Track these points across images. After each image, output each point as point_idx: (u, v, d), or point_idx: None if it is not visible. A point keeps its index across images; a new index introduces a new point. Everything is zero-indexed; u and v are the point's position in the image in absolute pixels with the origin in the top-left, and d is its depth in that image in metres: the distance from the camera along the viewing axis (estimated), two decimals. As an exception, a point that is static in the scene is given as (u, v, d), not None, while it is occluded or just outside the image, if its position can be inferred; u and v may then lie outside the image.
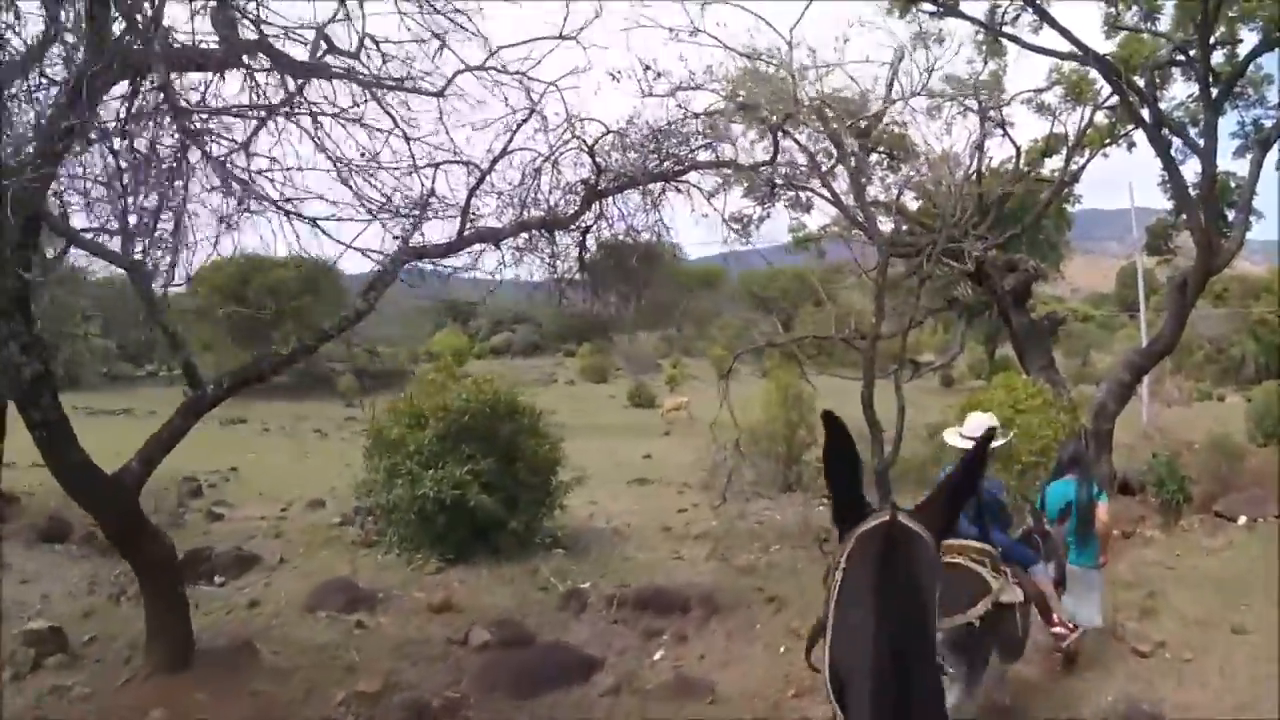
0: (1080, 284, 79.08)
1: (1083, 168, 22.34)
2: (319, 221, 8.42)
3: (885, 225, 23.24)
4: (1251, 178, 17.44)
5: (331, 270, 40.57)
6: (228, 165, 7.52)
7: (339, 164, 8.23)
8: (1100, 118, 21.61)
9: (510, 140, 9.51)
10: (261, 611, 10.74)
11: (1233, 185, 19.28)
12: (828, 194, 21.45)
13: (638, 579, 12.09)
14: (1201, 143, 16.31)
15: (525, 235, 10.69)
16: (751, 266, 51.39)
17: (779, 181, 22.64)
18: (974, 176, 21.45)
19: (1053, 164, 22.64)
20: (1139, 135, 21.62)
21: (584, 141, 10.40)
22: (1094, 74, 19.78)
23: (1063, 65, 20.12)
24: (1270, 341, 42.61)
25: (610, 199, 11.14)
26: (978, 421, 7.03)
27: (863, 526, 1.92)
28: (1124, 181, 34.47)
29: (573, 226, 11.15)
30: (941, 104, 20.74)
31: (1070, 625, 7.55)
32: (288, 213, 8.13)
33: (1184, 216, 23.05)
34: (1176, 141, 18.04)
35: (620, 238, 11.73)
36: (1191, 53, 16.34)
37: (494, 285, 10.95)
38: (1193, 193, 17.41)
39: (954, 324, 23.60)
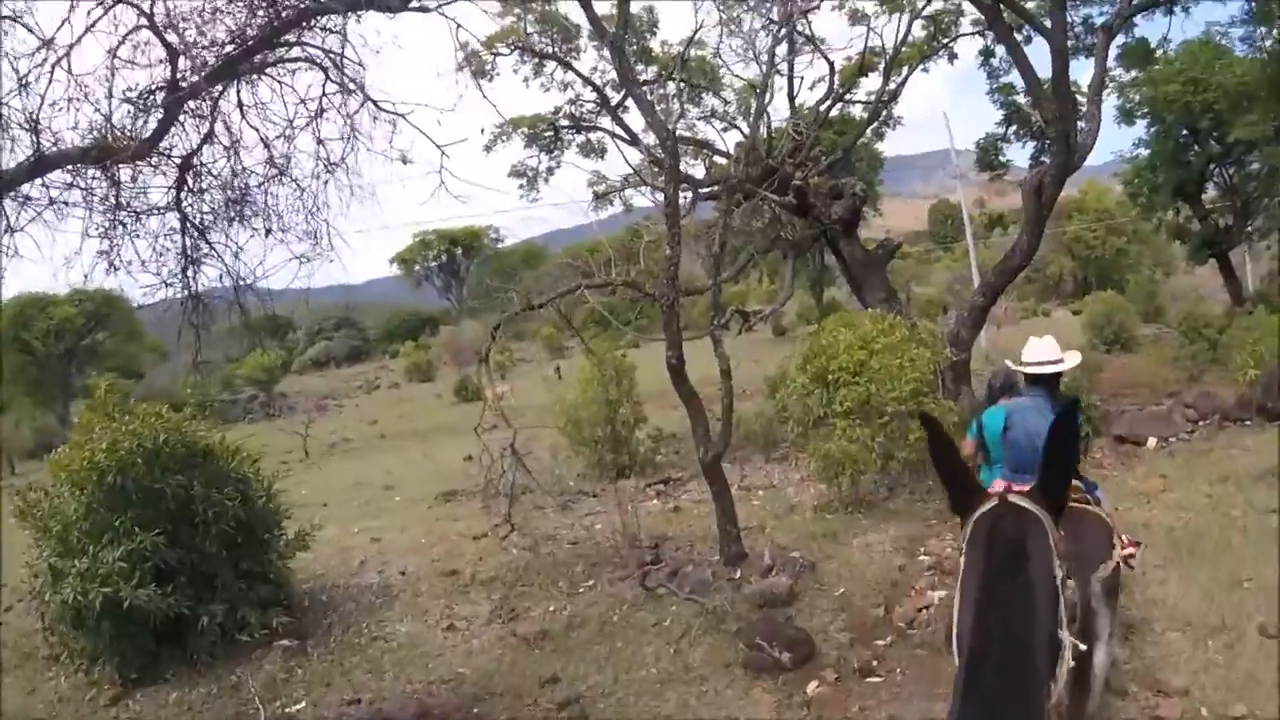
0: (893, 225, 78.08)
1: (903, 83, 19.24)
2: None
3: (696, 170, 19.60)
4: (1099, 63, 14.67)
5: (119, 301, 35.05)
6: None
7: None
8: (918, 30, 18.34)
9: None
10: None
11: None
12: (621, 132, 17.59)
13: (380, 679, 7.88)
14: (1048, 22, 12.83)
15: (72, 179, 5.93)
16: (577, 240, 46.96)
17: (565, 123, 18.53)
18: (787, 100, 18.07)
19: (868, 85, 19.28)
20: (961, 45, 18.78)
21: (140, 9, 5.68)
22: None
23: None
24: (1086, 257, 41.94)
25: (217, 100, 6.41)
26: (1035, 349, 5.82)
27: (977, 511, 1.90)
28: (926, 126, 32.88)
29: (154, 158, 6.37)
30: (739, 14, 16.82)
31: (1133, 541, 5.62)
32: None
33: (1012, 130, 20.68)
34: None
35: (253, 174, 6.99)
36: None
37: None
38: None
39: (780, 267, 19.87)
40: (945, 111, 30.39)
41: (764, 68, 12.62)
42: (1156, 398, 15.80)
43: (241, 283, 7.13)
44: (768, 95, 13.17)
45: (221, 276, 7.24)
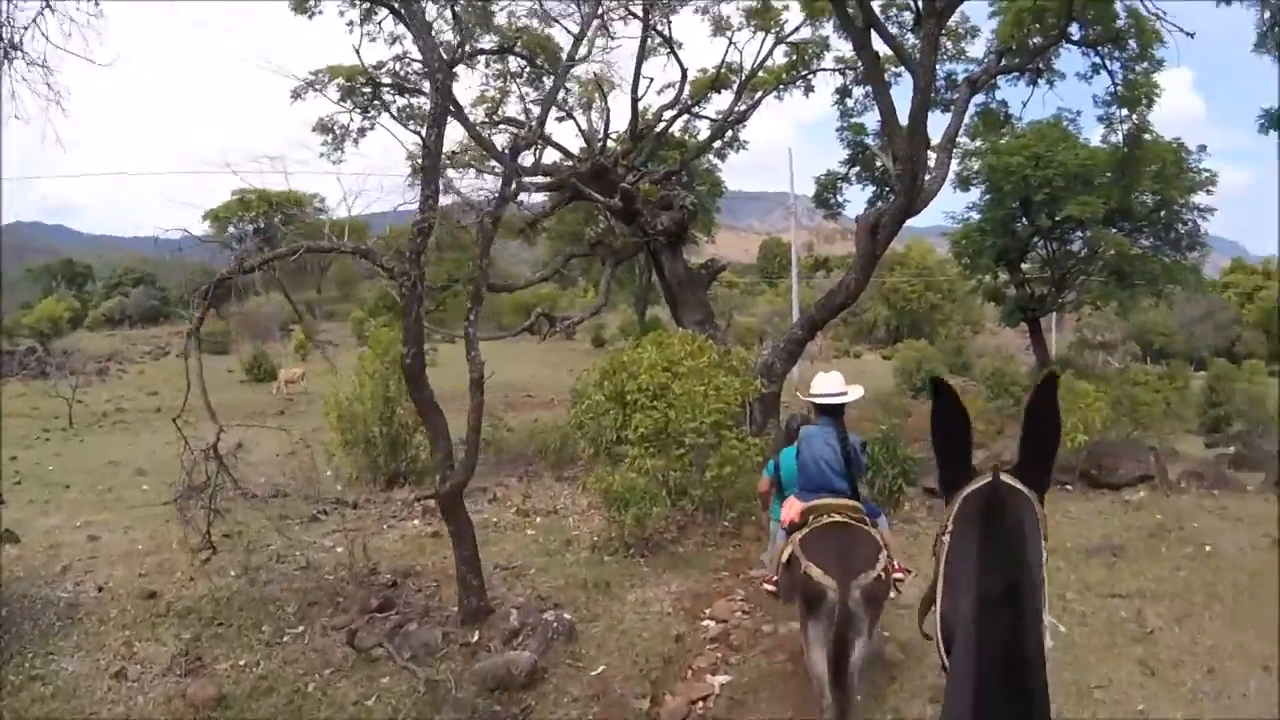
0: (724, 255, 79.27)
1: (754, 106, 17.94)
2: None
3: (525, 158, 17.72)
4: (957, 114, 14.62)
5: None
6: None
7: None
8: (779, 56, 17.25)
9: None
10: None
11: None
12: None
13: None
14: (918, 56, 11.75)
15: None
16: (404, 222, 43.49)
17: (385, 81, 16.21)
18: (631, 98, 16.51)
19: (720, 104, 18.02)
20: (819, 80, 17.90)
21: None
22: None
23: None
24: (901, 308, 42.99)
25: None
26: (823, 382, 6.11)
27: (967, 488, 1.85)
28: (770, 169, 32.75)
29: None
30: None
31: (904, 568, 6.10)
32: None
33: (854, 171, 20.04)
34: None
35: None
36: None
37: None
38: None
39: (600, 273, 18.30)
40: (790, 148, 29.81)
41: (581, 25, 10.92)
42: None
43: None
44: (582, 50, 11.42)
45: None
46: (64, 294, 47.04)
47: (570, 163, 16.04)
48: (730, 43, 16.48)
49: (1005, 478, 1.80)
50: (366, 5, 14.57)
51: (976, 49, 16.68)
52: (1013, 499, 1.77)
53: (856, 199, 22.22)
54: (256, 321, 37.61)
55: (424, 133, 6.81)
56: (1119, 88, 15.43)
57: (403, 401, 13.32)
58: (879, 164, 18.20)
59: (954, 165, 18.07)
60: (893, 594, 5.81)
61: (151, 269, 43.37)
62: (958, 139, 15.61)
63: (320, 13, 14.31)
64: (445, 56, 7.05)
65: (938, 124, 14.77)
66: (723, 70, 17.04)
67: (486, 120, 16.42)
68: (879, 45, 12.21)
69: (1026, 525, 1.74)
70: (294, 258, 6.99)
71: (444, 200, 15.43)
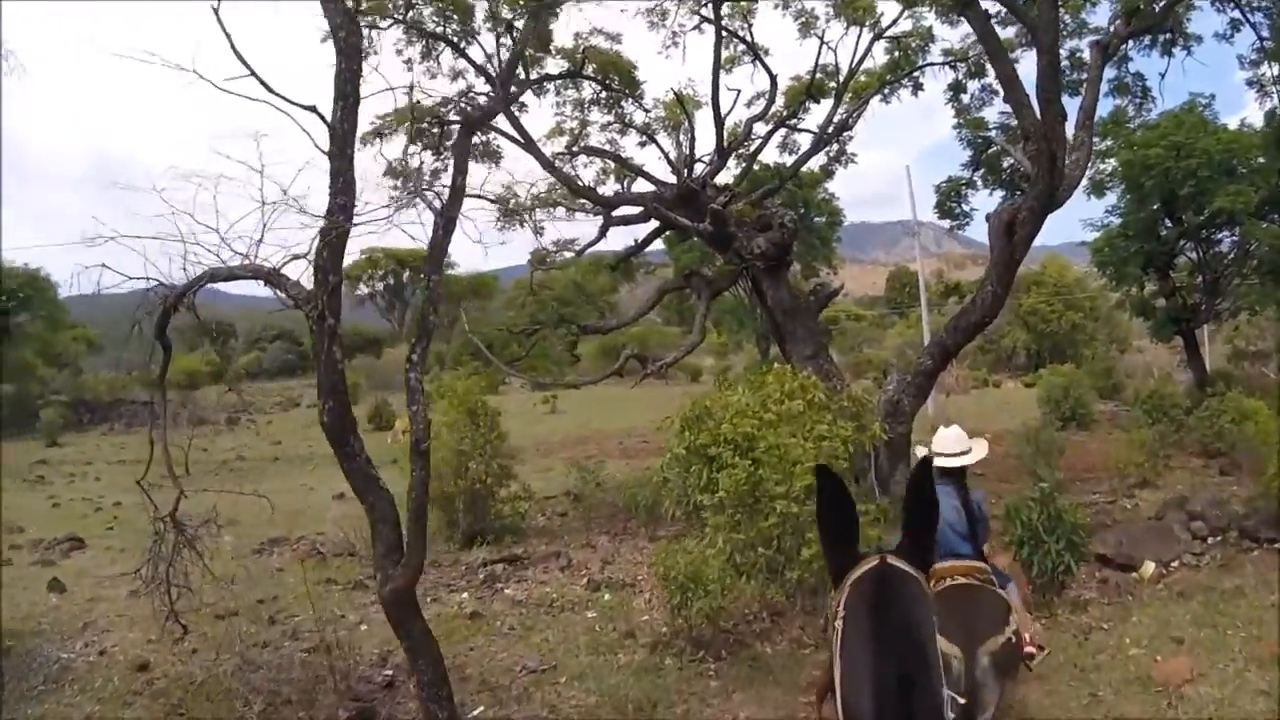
0: (851, 290, 76.98)
1: (858, 113, 15.78)
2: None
3: (606, 187, 16.21)
4: (1092, 85, 12.16)
5: (42, 282, 31.88)
6: None
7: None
8: (879, 54, 15.12)
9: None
10: None
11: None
12: (516, 134, 14.05)
13: None
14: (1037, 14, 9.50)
15: None
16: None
17: (455, 118, 14.94)
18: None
19: (819, 114, 15.90)
20: (929, 82, 15.73)
21: None
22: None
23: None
24: (1042, 331, 39.22)
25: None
26: (942, 440, 5.35)
27: (854, 573, 1.80)
28: (890, 197, 30.61)
29: None
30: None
31: (1039, 644, 5.26)
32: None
33: (978, 175, 17.54)
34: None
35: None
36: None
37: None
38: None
39: (695, 306, 16.29)
40: (908, 165, 27.35)
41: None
42: (1126, 485, 12.51)
43: None
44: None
45: None
46: (207, 350, 48.92)
47: (658, 190, 14.35)
48: (822, 42, 14.41)
49: (892, 560, 1.78)
50: (425, 42, 13.49)
51: (1099, 18, 14.21)
52: (902, 584, 1.74)
53: (984, 207, 19.70)
54: (383, 372, 37.51)
55: (331, 122, 5.05)
56: (1265, 40, 12.72)
57: (475, 455, 11.82)
58: (1007, 162, 15.68)
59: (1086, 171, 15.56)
60: (1031, 665, 5.13)
61: (286, 325, 44.18)
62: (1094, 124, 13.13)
63: (376, 53, 13.20)
64: (349, 5, 5.35)
65: (1069, 107, 12.43)
66: (817, 75, 14.98)
67: (565, 152, 14.94)
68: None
69: (919, 612, 1.71)
70: (202, 285, 5.43)
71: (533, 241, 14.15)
